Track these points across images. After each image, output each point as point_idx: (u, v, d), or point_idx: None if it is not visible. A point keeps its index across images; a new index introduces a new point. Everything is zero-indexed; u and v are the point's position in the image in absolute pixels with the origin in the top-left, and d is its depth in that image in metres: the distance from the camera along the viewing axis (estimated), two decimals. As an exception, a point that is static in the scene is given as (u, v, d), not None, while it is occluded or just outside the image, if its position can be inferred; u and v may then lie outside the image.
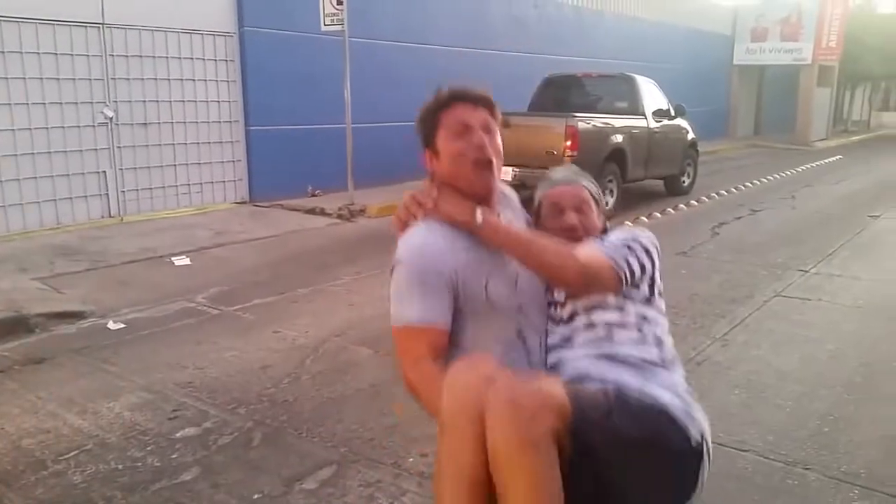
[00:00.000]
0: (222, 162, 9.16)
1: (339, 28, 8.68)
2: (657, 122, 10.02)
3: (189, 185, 8.86)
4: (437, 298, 1.57)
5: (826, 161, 16.44)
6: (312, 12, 8.77)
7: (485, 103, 1.71)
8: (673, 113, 10.38)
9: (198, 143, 8.87)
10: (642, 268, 1.66)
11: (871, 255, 6.92)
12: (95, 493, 2.74)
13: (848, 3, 22.89)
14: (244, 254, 6.87)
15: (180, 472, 2.90)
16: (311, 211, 8.87)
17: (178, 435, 3.22)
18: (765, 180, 12.60)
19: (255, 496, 2.74)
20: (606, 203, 8.88)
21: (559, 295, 1.72)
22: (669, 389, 1.56)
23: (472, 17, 12.30)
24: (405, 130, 11.48)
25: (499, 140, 1.70)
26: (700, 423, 1.55)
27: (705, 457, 1.53)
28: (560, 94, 10.38)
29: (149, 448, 3.10)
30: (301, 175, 9.67)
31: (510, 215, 1.80)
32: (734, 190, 11.34)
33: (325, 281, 5.81)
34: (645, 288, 1.70)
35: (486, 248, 1.63)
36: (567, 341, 1.67)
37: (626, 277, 1.61)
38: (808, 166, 15.19)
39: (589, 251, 1.61)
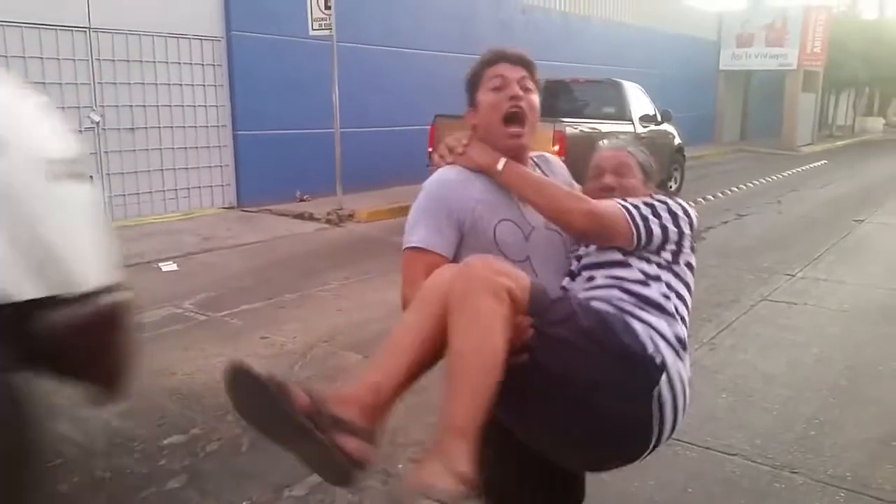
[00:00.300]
0: (210, 167, 9.12)
1: (327, 32, 8.68)
2: (644, 127, 10.08)
3: (176, 190, 8.82)
4: (439, 228, 1.65)
5: (811, 166, 16.60)
6: (300, 17, 8.76)
7: (524, 63, 1.76)
8: (659, 118, 10.45)
9: (185, 148, 8.83)
10: (664, 230, 1.63)
11: (856, 259, 6.99)
12: (82, 501, 2.72)
13: (832, 9, 23.15)
14: (232, 259, 6.85)
15: (168, 479, 2.89)
16: (300, 216, 8.84)
17: (165, 442, 3.20)
18: (751, 185, 12.70)
19: (245, 502, 2.73)
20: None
21: (580, 260, 1.72)
22: (647, 326, 1.53)
23: (461, 21, 12.32)
24: (394, 135, 11.59)
25: (535, 98, 1.74)
26: (664, 354, 1.50)
27: (665, 385, 1.48)
28: (548, 100, 10.40)
29: (136, 456, 3.08)
30: (289, 180, 9.65)
31: (546, 174, 1.85)
32: (720, 195, 11.42)
33: (313, 286, 5.80)
34: (667, 255, 1.64)
35: (505, 197, 1.71)
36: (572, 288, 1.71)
37: (638, 234, 1.61)
38: (794, 171, 15.32)
39: (607, 203, 1.65)
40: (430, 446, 1.42)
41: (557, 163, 1.97)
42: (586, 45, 15.62)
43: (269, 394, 1.25)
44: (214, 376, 3.93)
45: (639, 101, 10.36)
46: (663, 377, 1.47)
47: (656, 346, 1.49)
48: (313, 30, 8.78)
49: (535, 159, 1.88)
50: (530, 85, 1.74)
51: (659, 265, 1.63)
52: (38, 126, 1.97)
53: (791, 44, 21.03)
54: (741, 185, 12.46)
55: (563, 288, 1.69)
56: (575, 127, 8.57)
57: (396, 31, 11.10)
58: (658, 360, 1.47)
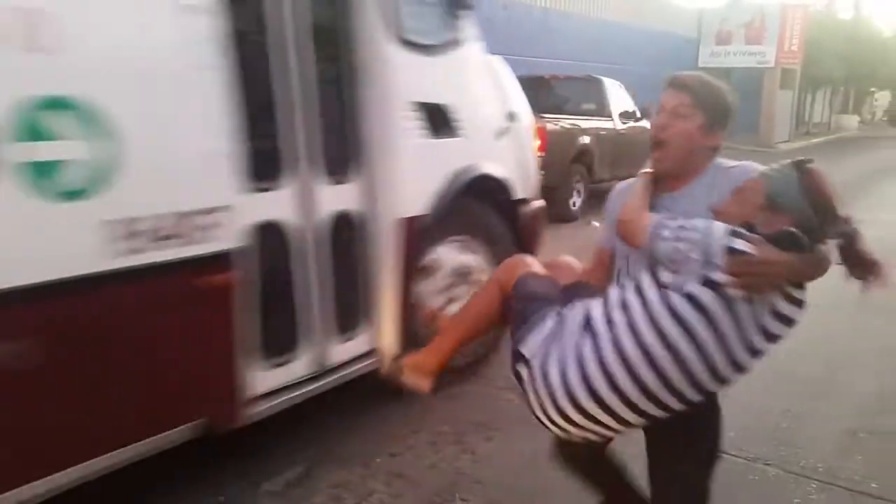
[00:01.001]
0: None
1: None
2: (624, 123, 10.13)
3: None
4: (607, 227, 2.00)
5: (788, 162, 16.79)
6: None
7: (688, 89, 1.81)
8: (639, 115, 10.51)
9: None
10: (682, 256, 1.58)
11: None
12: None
13: (808, 7, 23.42)
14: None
15: (149, 478, 2.87)
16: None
17: (143, 437, 3.19)
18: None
19: (220, 498, 2.73)
20: (574, 203, 8.99)
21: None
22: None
23: (441, 16, 12.26)
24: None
25: (685, 125, 1.80)
26: (550, 347, 1.78)
27: (524, 368, 1.85)
28: (528, 96, 10.41)
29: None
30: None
31: (709, 189, 1.82)
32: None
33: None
34: (679, 276, 1.59)
35: None
36: None
37: (656, 247, 1.64)
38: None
39: (645, 223, 1.71)
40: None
41: (737, 174, 1.84)
42: (567, 41, 15.67)
43: None
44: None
45: (619, 98, 10.41)
46: (521, 362, 1.77)
47: (532, 339, 1.75)
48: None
49: (723, 170, 1.87)
50: (685, 111, 1.79)
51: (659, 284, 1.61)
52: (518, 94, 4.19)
53: (769, 42, 21.24)
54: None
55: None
56: (555, 123, 8.60)
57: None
58: (522, 350, 1.76)
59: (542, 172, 8.06)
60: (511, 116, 3.91)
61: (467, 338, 2.06)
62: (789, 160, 1.68)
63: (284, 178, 2.75)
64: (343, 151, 3.02)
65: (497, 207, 3.79)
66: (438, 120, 3.33)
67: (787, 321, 1.61)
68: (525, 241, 3.91)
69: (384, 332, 3.22)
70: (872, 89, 39.81)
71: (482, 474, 2.91)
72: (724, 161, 1.89)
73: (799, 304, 1.61)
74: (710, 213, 1.68)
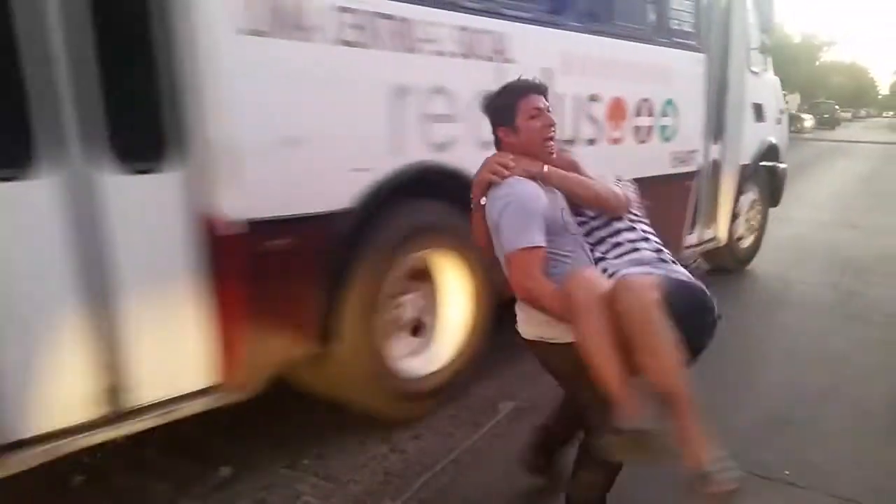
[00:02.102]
0: None
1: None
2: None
3: None
4: (540, 226, 2.10)
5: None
6: None
7: (544, 91, 2.29)
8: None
9: None
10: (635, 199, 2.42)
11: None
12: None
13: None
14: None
15: (65, 480, 2.78)
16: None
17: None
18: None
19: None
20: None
21: (596, 221, 2.34)
22: (684, 273, 2.23)
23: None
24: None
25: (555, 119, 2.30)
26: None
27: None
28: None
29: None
30: None
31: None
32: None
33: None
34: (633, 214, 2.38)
35: (555, 192, 2.23)
36: (605, 254, 2.28)
37: (630, 200, 2.38)
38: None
39: (610, 186, 2.34)
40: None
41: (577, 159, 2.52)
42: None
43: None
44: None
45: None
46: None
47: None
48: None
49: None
50: (550, 108, 2.28)
51: (635, 219, 2.37)
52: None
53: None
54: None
55: (600, 258, 2.27)
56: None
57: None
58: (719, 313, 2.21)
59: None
60: (781, 112, 6.73)
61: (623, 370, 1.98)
62: None
63: (721, 135, 5.62)
64: (719, 127, 5.55)
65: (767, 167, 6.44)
66: (758, 112, 6.07)
67: None
68: (778, 188, 6.71)
69: (721, 226, 5.81)
70: (784, 92, 41.58)
71: (412, 473, 2.91)
72: None
73: None
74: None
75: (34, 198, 2.08)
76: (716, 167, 5.60)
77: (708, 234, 5.67)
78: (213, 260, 2.42)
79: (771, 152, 6.36)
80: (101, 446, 3.00)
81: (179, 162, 2.33)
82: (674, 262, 2.29)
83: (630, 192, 2.42)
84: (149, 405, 2.45)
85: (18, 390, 2.12)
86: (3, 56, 1.99)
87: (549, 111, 2.26)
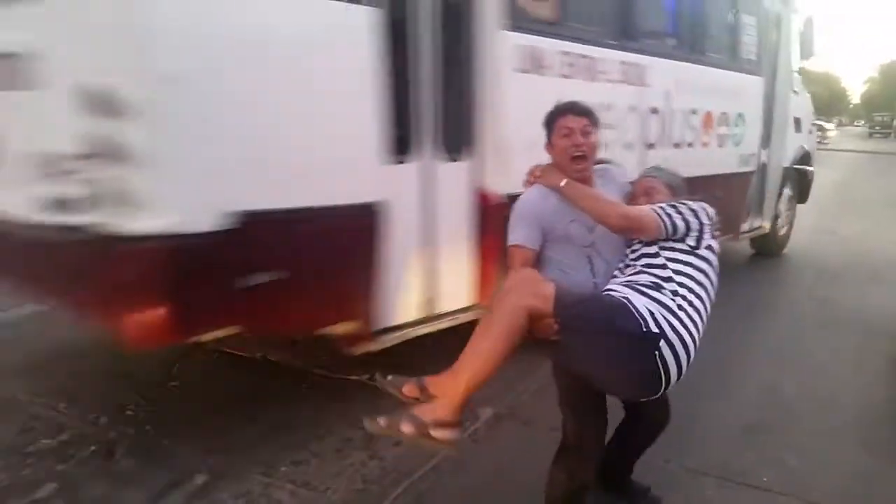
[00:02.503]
0: None
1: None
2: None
3: None
4: (528, 229, 2.34)
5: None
6: None
7: (586, 113, 2.39)
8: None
9: None
10: (685, 222, 2.24)
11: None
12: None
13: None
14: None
15: (34, 488, 2.73)
16: None
17: (30, 449, 3.02)
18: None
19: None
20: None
21: (634, 245, 2.35)
22: (650, 301, 2.07)
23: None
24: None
25: (594, 139, 2.38)
26: (663, 324, 2.03)
27: (665, 346, 2.02)
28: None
29: (-4, 464, 2.88)
30: None
31: (602, 186, 2.47)
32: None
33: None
34: (692, 241, 2.25)
35: (570, 206, 2.34)
36: (618, 274, 2.31)
37: (665, 225, 2.22)
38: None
39: (640, 207, 2.31)
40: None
41: (617, 171, 2.66)
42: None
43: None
44: (86, 378, 3.74)
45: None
46: (662, 341, 2.01)
47: (655, 319, 2.02)
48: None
49: (597, 171, 2.50)
50: (590, 129, 2.37)
51: (683, 251, 2.22)
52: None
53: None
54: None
55: (614, 275, 2.29)
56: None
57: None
58: (655, 330, 2.01)
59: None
60: (813, 124, 8.42)
61: (494, 370, 2.07)
62: (653, 164, 2.64)
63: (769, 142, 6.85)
64: (768, 135, 6.78)
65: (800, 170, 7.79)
66: (797, 124, 7.44)
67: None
68: (807, 188, 8.10)
69: (767, 217, 7.06)
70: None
71: (390, 481, 2.88)
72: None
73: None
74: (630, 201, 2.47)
75: (406, 175, 3.39)
76: (764, 168, 6.83)
77: (756, 223, 6.98)
78: (482, 220, 3.72)
79: (805, 158, 7.87)
80: (74, 454, 2.97)
81: (470, 155, 3.68)
82: (660, 290, 2.17)
83: (663, 216, 2.24)
84: (447, 312, 3.69)
85: (392, 295, 3.34)
86: (406, 88, 3.29)
87: (584, 133, 2.34)
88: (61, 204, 2.54)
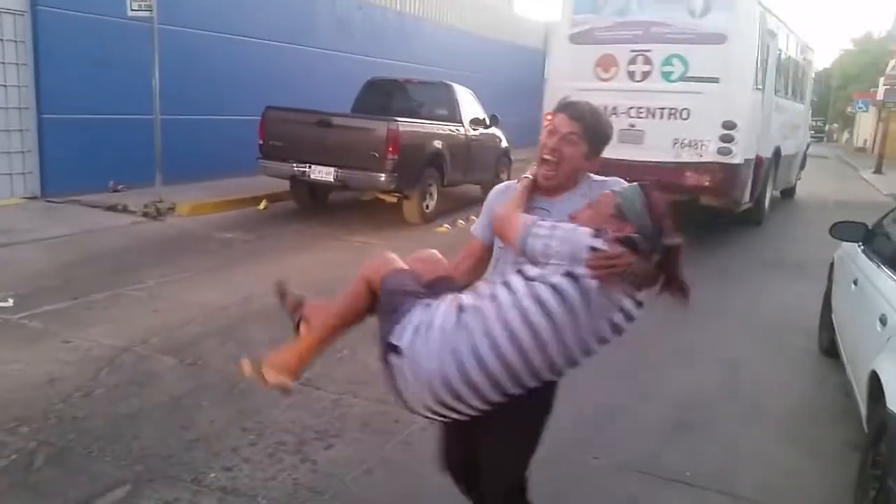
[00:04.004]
0: (9, 152, 8.24)
1: (147, 14, 8.15)
2: (474, 129, 10.39)
3: (-30, 176, 8.02)
4: (484, 224, 2.22)
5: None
6: (118, -5, 8.31)
7: (580, 119, 2.08)
8: (488, 122, 10.82)
9: (-20, 131, 8.04)
10: (545, 248, 1.85)
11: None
12: None
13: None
14: (32, 255, 6.24)
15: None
16: (113, 208, 8.22)
17: (-57, 461, 2.88)
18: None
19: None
20: (427, 206, 9.10)
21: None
22: (443, 314, 1.86)
23: (293, 12, 12.05)
24: (221, 125, 11.01)
25: (573, 150, 2.08)
26: (407, 340, 1.86)
27: (395, 359, 1.90)
28: (383, 98, 10.46)
29: None
30: (102, 168, 8.93)
31: (568, 205, 2.10)
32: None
33: (125, 285, 5.41)
34: (546, 269, 1.85)
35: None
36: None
37: (521, 242, 1.91)
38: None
39: (515, 216, 2.02)
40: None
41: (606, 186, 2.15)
42: (420, 47, 15.85)
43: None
44: (7, 385, 3.58)
45: (469, 105, 10.65)
46: (392, 354, 1.86)
47: (408, 331, 1.85)
48: (132, 10, 8.21)
49: (594, 184, 2.16)
50: (574, 139, 2.07)
51: (527, 277, 1.85)
52: None
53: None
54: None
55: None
56: (408, 126, 8.67)
57: (224, 16, 10.63)
58: (393, 342, 1.85)
59: (395, 175, 8.26)
60: (810, 128, 16.12)
61: (333, 335, 2.11)
62: (635, 182, 1.99)
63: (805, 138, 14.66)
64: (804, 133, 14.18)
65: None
66: (806, 129, 14.49)
67: (629, 317, 1.87)
68: (804, 165, 14.69)
69: (793, 183, 13.64)
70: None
71: (322, 485, 2.86)
72: (595, 176, 2.19)
73: (639, 304, 1.88)
74: (568, 218, 1.97)
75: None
76: (797, 154, 12.84)
77: (794, 178, 13.40)
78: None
79: (808, 147, 14.63)
80: (-11, 465, 2.84)
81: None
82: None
83: (537, 243, 1.90)
84: None
85: None
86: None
87: (564, 139, 2.07)
88: (713, 152, 7.85)
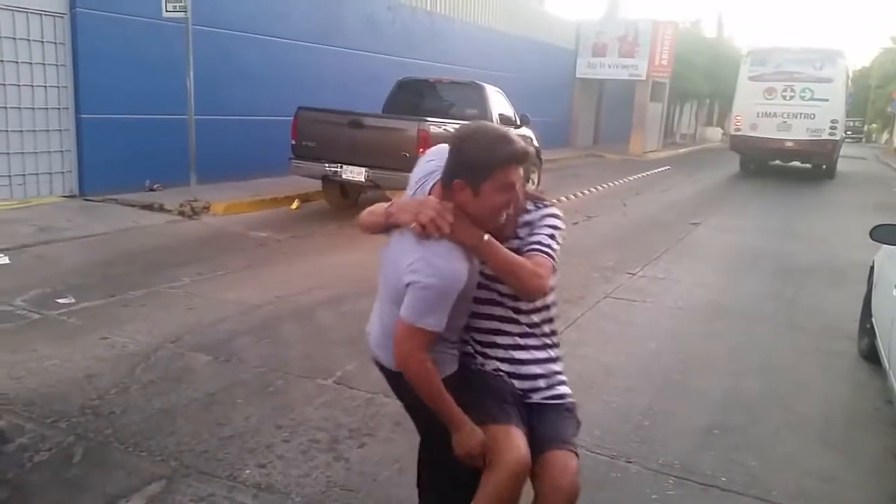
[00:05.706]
0: (49, 152, 8.43)
1: (182, 15, 8.27)
2: (505, 129, 10.34)
3: (11, 176, 8.08)
4: (447, 311, 1.90)
5: (656, 171, 17.75)
6: (155, -3, 8.45)
7: (525, 162, 1.95)
8: (518, 122, 10.77)
9: (21, 131, 8.10)
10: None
11: (690, 260, 7.56)
12: None
13: (678, 24, 24.83)
14: (71, 252, 6.38)
15: (-12, 494, 2.66)
16: (149, 206, 8.37)
17: (-16, 453, 2.94)
18: (601, 188, 13.40)
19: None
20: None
21: (505, 298, 2.16)
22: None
23: (325, 13, 12.14)
24: (254, 125, 11.14)
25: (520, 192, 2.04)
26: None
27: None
28: (413, 98, 10.49)
29: (-51, 470, 2.80)
30: (138, 168, 9.10)
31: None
32: (573, 197, 11.95)
33: (161, 283, 5.51)
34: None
35: (477, 265, 2.02)
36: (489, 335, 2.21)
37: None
38: (640, 175, 16.33)
39: (544, 264, 2.01)
40: None
41: (540, 216, 2.14)
42: (451, 46, 15.86)
43: None
44: (46, 380, 3.65)
45: (500, 105, 10.62)
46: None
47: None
48: (167, 11, 8.34)
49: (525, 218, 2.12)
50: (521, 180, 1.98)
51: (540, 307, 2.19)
52: None
53: (641, 55, 22.37)
54: (592, 189, 13.11)
55: (474, 328, 2.22)
56: (439, 126, 8.67)
57: (256, 17, 10.74)
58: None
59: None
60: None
61: None
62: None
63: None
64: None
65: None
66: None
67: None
68: (840, 146, 19.20)
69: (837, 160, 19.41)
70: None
71: (355, 483, 2.87)
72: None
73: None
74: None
75: None
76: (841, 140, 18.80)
77: (835, 158, 18.63)
78: None
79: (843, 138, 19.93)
80: (30, 459, 2.90)
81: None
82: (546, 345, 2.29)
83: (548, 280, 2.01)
84: None
85: None
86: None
87: (519, 186, 1.96)
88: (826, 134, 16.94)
